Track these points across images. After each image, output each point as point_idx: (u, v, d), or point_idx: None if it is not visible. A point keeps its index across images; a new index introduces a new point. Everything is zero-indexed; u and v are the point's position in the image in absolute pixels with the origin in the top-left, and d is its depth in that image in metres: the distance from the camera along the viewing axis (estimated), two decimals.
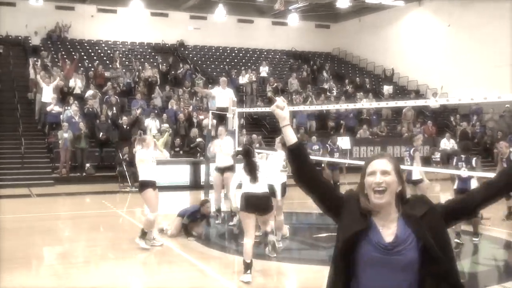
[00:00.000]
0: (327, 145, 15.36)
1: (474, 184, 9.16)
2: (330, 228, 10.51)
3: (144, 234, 8.82)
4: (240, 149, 11.01)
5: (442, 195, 14.62)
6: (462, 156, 9.46)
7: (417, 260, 2.28)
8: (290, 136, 2.54)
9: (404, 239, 2.30)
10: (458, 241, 9.05)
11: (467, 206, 2.43)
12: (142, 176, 8.85)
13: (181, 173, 16.76)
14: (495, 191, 2.42)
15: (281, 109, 2.56)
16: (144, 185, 8.81)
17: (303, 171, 2.52)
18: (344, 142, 17.23)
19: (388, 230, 2.34)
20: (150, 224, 8.91)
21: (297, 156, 2.53)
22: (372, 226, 2.36)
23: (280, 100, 2.58)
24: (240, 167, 7.76)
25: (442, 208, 2.40)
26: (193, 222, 9.69)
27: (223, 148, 10.68)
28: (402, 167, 8.50)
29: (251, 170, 7.26)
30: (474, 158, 9.27)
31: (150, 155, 8.89)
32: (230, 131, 11.55)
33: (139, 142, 9.16)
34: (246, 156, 7.45)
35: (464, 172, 8.87)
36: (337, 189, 2.60)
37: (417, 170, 10.01)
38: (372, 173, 2.39)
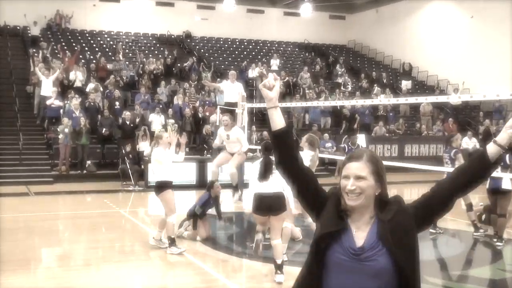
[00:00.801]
0: (344, 145, 15.17)
1: (507, 183, 9.13)
2: None
3: (173, 241, 8.74)
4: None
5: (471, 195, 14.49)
6: None
7: (389, 268, 2.23)
8: (277, 120, 2.45)
9: (373, 245, 2.26)
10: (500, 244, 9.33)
11: (439, 199, 2.36)
12: (160, 177, 8.76)
13: (187, 171, 16.75)
14: (470, 177, 2.35)
15: (269, 89, 2.46)
16: (164, 186, 8.73)
17: (286, 159, 2.47)
18: (359, 140, 17.15)
19: (362, 233, 2.31)
20: (173, 227, 8.84)
21: (281, 143, 2.46)
22: (348, 228, 2.33)
23: (270, 78, 2.47)
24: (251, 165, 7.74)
25: (412, 208, 2.35)
26: (205, 209, 9.65)
27: (232, 138, 10.32)
28: (441, 168, 8.25)
29: (266, 168, 7.15)
30: (507, 155, 9.24)
31: (169, 156, 8.79)
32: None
33: (155, 140, 9.04)
34: (266, 152, 7.38)
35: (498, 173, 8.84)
36: None
37: None
38: (346, 177, 2.35)
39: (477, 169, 2.34)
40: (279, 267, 7.20)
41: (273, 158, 7.19)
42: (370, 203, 2.33)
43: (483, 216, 10.71)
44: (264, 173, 7.14)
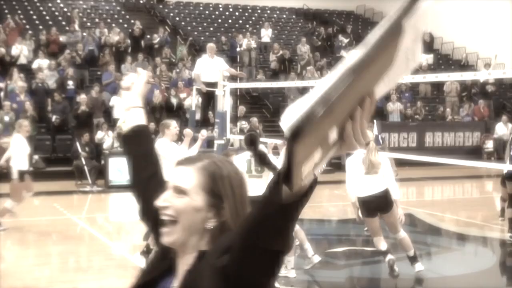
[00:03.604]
0: None
1: None
2: (350, 240, 10.39)
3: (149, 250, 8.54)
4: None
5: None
6: None
7: None
8: (130, 122, 2.27)
9: None
10: None
11: (238, 250, 1.57)
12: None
13: None
14: (258, 222, 1.49)
15: (126, 89, 2.31)
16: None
17: (135, 167, 2.21)
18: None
19: (175, 284, 1.88)
20: None
21: (129, 148, 2.25)
22: (173, 273, 1.89)
23: (130, 76, 2.34)
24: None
25: (226, 257, 1.62)
26: None
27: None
28: (472, 163, 8.23)
29: (262, 161, 7.28)
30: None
31: (176, 150, 8.53)
32: (220, 115, 11.30)
33: (160, 129, 8.84)
34: (251, 146, 7.43)
35: None
36: None
37: None
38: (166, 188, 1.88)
39: (265, 209, 1.45)
40: None
41: (262, 150, 7.49)
42: (196, 241, 1.82)
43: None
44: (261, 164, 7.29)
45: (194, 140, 9.70)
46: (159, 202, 1.81)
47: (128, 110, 2.27)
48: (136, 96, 2.30)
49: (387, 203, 7.72)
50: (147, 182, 2.15)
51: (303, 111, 1.12)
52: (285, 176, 1.25)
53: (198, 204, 1.80)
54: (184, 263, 1.82)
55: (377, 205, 7.75)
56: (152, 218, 2.02)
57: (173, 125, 8.73)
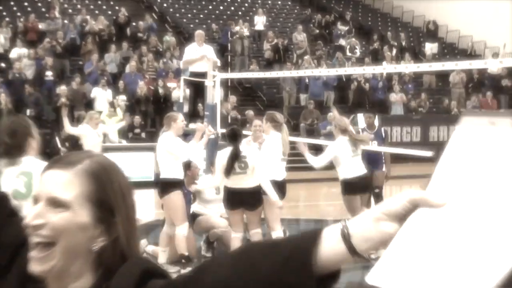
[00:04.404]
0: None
1: None
2: None
3: (188, 260, 8.18)
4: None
5: None
6: None
7: None
8: None
9: None
10: None
11: None
12: (169, 173, 8.25)
13: (142, 163, 16.35)
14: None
15: None
16: (172, 185, 8.21)
17: None
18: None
19: None
20: (184, 241, 8.23)
21: None
22: None
23: None
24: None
25: None
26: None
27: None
28: None
29: (233, 159, 7.80)
30: None
31: (184, 146, 8.41)
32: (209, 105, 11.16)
33: (166, 122, 8.64)
34: (231, 141, 7.98)
35: None
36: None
37: None
38: (34, 199, 1.51)
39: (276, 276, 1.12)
40: None
41: (240, 148, 7.75)
42: (79, 267, 1.48)
43: None
44: (230, 169, 7.78)
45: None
46: (30, 219, 1.43)
47: None
48: None
49: (369, 185, 9.09)
50: None
51: None
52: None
53: (83, 219, 1.46)
54: None
55: (362, 186, 8.64)
56: None
57: (180, 118, 8.49)
